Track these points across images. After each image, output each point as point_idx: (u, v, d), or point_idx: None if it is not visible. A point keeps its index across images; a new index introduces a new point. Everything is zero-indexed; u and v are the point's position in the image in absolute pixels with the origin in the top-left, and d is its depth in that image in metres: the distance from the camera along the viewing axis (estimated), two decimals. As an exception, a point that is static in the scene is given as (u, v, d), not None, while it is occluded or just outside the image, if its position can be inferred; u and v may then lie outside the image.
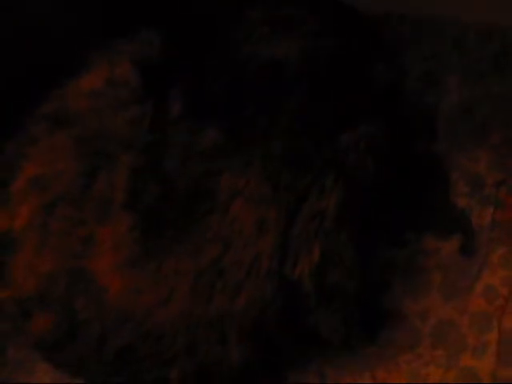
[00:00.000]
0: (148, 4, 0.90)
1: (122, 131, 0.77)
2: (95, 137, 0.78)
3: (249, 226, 0.74)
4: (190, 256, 0.74)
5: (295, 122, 0.77)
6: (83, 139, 0.78)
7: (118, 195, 0.75)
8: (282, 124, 0.76)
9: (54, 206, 0.76)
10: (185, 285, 0.74)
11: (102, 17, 0.89)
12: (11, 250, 0.77)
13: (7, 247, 0.77)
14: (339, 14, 0.84)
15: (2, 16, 0.85)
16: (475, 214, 0.92)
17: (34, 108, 0.81)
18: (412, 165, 0.92)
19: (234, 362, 0.76)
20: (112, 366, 0.76)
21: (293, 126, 0.76)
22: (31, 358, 0.85)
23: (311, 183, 0.76)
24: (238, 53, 0.78)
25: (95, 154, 0.77)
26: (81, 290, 0.74)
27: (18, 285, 0.76)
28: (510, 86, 0.99)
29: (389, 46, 0.87)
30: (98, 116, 0.79)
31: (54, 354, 0.78)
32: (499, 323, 0.85)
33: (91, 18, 0.90)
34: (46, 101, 0.82)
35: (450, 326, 0.86)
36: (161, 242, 0.74)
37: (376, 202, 0.79)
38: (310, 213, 0.76)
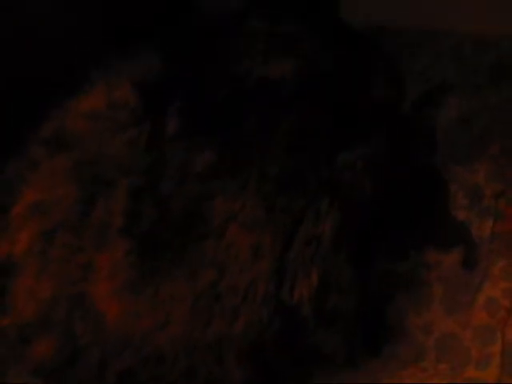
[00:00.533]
0: (148, 18, 0.89)
1: (119, 154, 0.77)
2: (94, 161, 0.77)
3: (244, 251, 0.74)
4: (186, 280, 0.73)
5: (292, 141, 0.76)
6: (82, 163, 0.77)
7: (116, 220, 0.75)
8: (279, 144, 0.76)
9: (53, 233, 0.76)
10: (182, 309, 0.73)
11: (102, 20, 0.88)
12: (11, 275, 0.76)
13: (7, 273, 0.76)
14: (338, 31, 0.83)
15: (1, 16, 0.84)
16: (475, 226, 0.91)
17: (32, 127, 0.81)
18: (410, 178, 0.91)
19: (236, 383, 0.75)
20: None
21: (290, 146, 0.76)
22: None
23: (306, 206, 0.75)
24: (236, 68, 0.78)
25: (94, 179, 0.76)
26: (80, 315, 0.74)
27: (18, 310, 0.75)
28: (506, 97, 0.99)
29: (387, 61, 0.86)
30: (96, 139, 0.78)
31: (54, 379, 0.77)
32: (502, 335, 0.84)
33: (91, 21, 0.89)
34: (45, 121, 0.81)
35: (453, 340, 0.85)
36: (157, 266, 0.74)
37: (375, 216, 0.78)
38: (305, 237, 0.75)
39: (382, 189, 0.78)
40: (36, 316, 0.75)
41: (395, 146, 0.80)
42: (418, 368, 0.84)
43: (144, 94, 0.80)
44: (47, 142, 0.80)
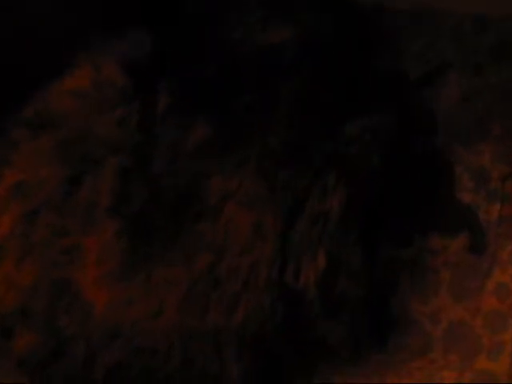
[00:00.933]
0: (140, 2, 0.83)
1: (108, 133, 0.72)
2: (80, 140, 0.72)
3: (243, 231, 0.68)
4: (181, 264, 0.68)
5: (293, 113, 0.70)
6: (67, 142, 0.72)
7: (104, 200, 0.69)
8: (280, 116, 0.70)
9: (36, 214, 0.70)
10: (177, 295, 0.67)
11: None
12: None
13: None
14: (338, 1, 0.78)
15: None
16: (482, 209, 0.87)
17: (14, 109, 0.76)
18: (413, 159, 0.85)
19: (234, 378, 0.70)
20: None
21: (291, 118, 0.70)
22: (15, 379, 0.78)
23: (311, 182, 0.70)
24: (230, 37, 0.72)
25: (80, 158, 0.71)
26: (65, 304, 0.68)
27: (-2, 299, 0.70)
28: (507, 77, 0.95)
29: (388, 36, 0.81)
30: (83, 118, 0.73)
31: (38, 375, 0.71)
32: (514, 321, 0.80)
33: (78, 1, 0.83)
34: (28, 103, 0.76)
35: (463, 328, 0.82)
36: (149, 250, 0.68)
37: (379, 199, 0.73)
38: (311, 215, 0.69)
39: (389, 164, 0.72)
40: (17, 305, 0.69)
41: (401, 120, 0.74)
42: (427, 359, 0.81)
43: (133, 73, 0.74)
44: (29, 122, 0.75)
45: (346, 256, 0.70)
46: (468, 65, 0.97)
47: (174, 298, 0.67)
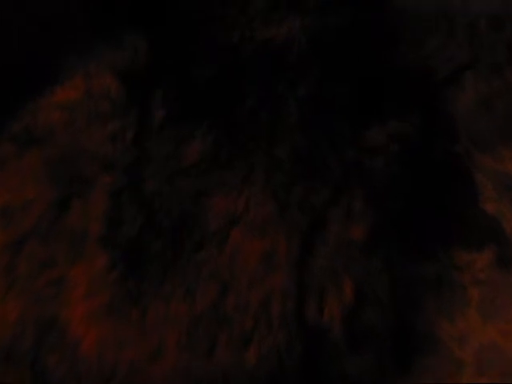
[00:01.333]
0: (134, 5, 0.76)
1: (101, 149, 0.65)
2: (70, 157, 0.65)
3: (253, 261, 0.60)
4: (181, 299, 0.60)
5: (304, 118, 0.62)
6: (56, 160, 0.65)
7: (94, 227, 0.62)
8: (289, 121, 0.62)
9: (21, 244, 0.63)
10: (177, 335, 0.60)
11: (82, 4, 0.76)
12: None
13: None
14: None
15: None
16: (506, 219, 0.82)
17: (2, 123, 0.70)
18: (434, 168, 0.78)
19: None
20: None
21: (302, 124, 0.62)
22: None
23: (331, 199, 0.62)
24: (228, 35, 0.64)
25: (70, 177, 0.64)
26: (52, 343, 0.61)
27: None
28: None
29: (413, 34, 0.73)
30: (73, 133, 0.66)
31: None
32: (550, 343, 0.73)
33: (70, 4, 0.76)
34: (15, 116, 0.70)
35: (494, 351, 0.76)
36: (144, 283, 0.60)
37: (402, 214, 0.65)
38: (335, 240, 0.62)
39: (412, 175, 0.65)
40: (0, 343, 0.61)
41: (425, 125, 0.67)
42: None
43: (128, 83, 0.68)
44: (17, 137, 0.69)
45: (373, 285, 0.63)
46: (485, 65, 0.91)
47: (174, 338, 0.59)
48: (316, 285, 0.61)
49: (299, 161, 0.61)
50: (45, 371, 0.60)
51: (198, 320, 0.60)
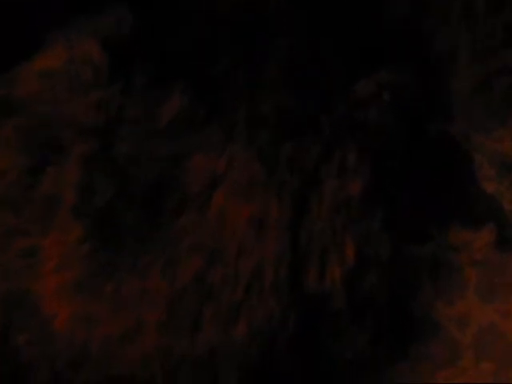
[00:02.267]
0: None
1: (82, 117, 0.61)
2: (47, 125, 0.61)
3: (241, 226, 0.56)
4: (160, 274, 0.55)
5: (290, 69, 0.58)
6: (31, 128, 0.61)
7: (68, 195, 0.58)
8: (272, 74, 0.57)
9: None
10: (157, 312, 0.55)
11: None
12: None
13: None
14: None
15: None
16: (506, 199, 0.78)
17: None
18: (428, 148, 0.74)
19: None
20: None
21: (287, 76, 0.58)
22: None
23: (322, 158, 0.57)
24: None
25: (45, 145, 0.60)
26: (23, 321, 0.56)
27: None
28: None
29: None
30: (53, 100, 0.62)
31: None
32: (551, 324, 0.70)
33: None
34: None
35: (494, 333, 0.73)
36: (118, 257, 0.56)
37: (399, 182, 0.61)
38: (332, 198, 0.57)
39: (408, 138, 0.60)
40: None
41: (420, 83, 0.63)
42: (455, 369, 0.72)
43: (111, 51, 0.64)
44: None
45: (374, 246, 0.58)
46: (482, 47, 0.88)
47: (153, 316, 0.55)
48: (314, 247, 0.57)
49: (285, 118, 0.57)
50: (15, 351, 0.56)
51: (179, 296, 0.55)
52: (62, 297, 0.55)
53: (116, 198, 0.57)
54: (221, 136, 0.56)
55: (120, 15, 0.66)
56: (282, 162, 0.56)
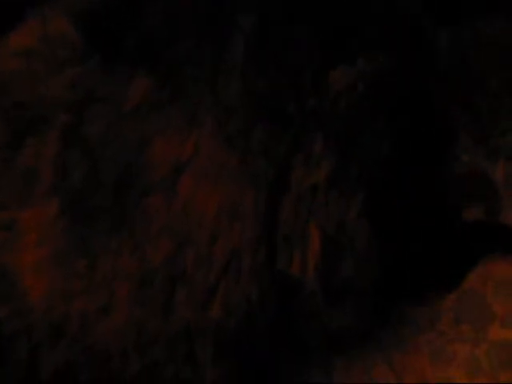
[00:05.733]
0: None
1: (60, 95, 0.58)
2: (26, 102, 0.58)
3: (212, 212, 0.53)
4: (130, 253, 0.54)
5: (255, 52, 0.54)
6: (11, 106, 0.59)
7: (47, 170, 0.55)
8: (235, 58, 0.54)
9: None
10: (127, 289, 0.54)
11: None
12: None
13: None
14: None
15: None
16: (483, 169, 0.76)
17: None
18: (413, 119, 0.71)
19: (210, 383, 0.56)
20: None
21: (254, 57, 0.54)
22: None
23: (293, 147, 0.54)
24: None
25: (26, 120, 0.58)
26: (2, 293, 0.55)
27: None
28: (501, 27, 0.83)
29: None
30: (31, 79, 0.59)
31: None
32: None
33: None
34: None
35: (473, 296, 0.71)
36: (91, 236, 0.54)
37: (384, 163, 0.59)
38: (297, 188, 0.55)
39: (390, 121, 0.58)
40: None
41: (402, 68, 0.58)
42: (435, 332, 0.70)
43: (86, 28, 0.60)
44: None
45: (348, 233, 0.56)
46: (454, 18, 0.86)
47: (125, 292, 0.53)
48: (284, 236, 0.55)
49: (254, 103, 0.54)
50: None
51: (151, 275, 0.53)
52: (39, 271, 0.54)
53: (88, 176, 0.55)
54: (185, 120, 0.53)
55: None
56: (256, 151, 0.53)
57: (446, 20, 0.81)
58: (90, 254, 0.54)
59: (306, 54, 0.55)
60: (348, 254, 0.56)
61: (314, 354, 0.64)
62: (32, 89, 0.59)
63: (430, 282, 0.68)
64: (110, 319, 0.54)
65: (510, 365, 0.67)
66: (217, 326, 0.54)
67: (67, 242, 0.54)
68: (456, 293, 0.70)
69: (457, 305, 0.70)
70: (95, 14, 0.60)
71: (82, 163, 0.55)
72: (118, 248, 0.54)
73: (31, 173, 0.56)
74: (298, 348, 0.61)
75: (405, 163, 0.61)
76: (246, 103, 0.53)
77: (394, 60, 0.58)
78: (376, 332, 0.67)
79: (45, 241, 0.55)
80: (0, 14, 0.64)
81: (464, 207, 0.73)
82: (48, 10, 0.62)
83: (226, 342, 0.55)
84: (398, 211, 0.60)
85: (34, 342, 0.55)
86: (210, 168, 0.53)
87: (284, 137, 0.54)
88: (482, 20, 0.86)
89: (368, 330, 0.65)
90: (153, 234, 0.53)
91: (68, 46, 0.60)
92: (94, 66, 0.57)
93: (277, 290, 0.56)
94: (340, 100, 0.55)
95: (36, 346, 0.55)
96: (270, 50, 0.54)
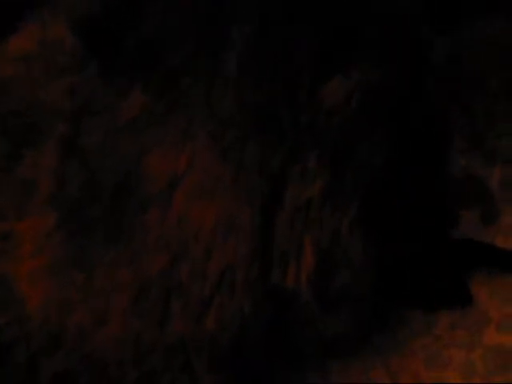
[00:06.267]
0: None
1: (58, 103, 0.58)
2: (24, 110, 0.58)
3: (208, 227, 0.53)
4: (126, 265, 0.54)
5: (249, 62, 0.53)
6: (8, 113, 0.59)
7: (43, 181, 0.55)
8: (231, 66, 0.53)
9: None
10: (124, 301, 0.54)
11: None
12: None
13: None
14: None
15: None
16: (479, 173, 0.76)
17: None
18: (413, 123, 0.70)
19: None
20: None
21: (248, 71, 0.53)
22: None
23: (287, 162, 0.54)
24: None
25: (24, 129, 0.57)
26: (1, 301, 0.55)
27: None
28: (501, 27, 0.83)
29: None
30: (30, 85, 0.59)
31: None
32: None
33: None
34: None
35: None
36: (88, 248, 0.54)
37: (379, 175, 0.57)
38: (292, 204, 0.54)
39: (387, 133, 0.56)
40: None
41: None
42: (431, 337, 0.69)
43: (85, 33, 0.60)
44: None
45: (343, 246, 0.55)
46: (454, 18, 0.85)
47: (121, 304, 0.54)
48: (279, 249, 0.54)
49: (249, 118, 0.53)
50: None
51: (146, 287, 0.54)
52: (35, 281, 0.54)
53: (85, 187, 0.55)
54: (179, 133, 0.53)
55: None
56: (249, 163, 0.53)
57: (445, 20, 0.80)
58: (87, 265, 0.54)
59: (301, 65, 0.54)
60: (343, 264, 0.56)
61: (309, 361, 0.64)
62: (30, 95, 0.58)
63: (429, 285, 0.68)
64: (108, 329, 0.54)
65: (505, 369, 0.67)
66: (211, 338, 0.54)
67: (64, 253, 0.54)
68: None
69: (452, 310, 0.70)
70: (94, 20, 0.59)
71: (80, 174, 0.55)
72: (115, 259, 0.54)
73: (29, 183, 0.56)
74: (293, 355, 0.61)
75: (403, 166, 0.60)
76: (240, 116, 0.53)
77: (392, 66, 0.57)
78: (374, 336, 0.68)
79: (42, 251, 0.55)
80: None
81: (460, 211, 0.73)
82: (47, 15, 0.61)
83: (220, 353, 0.55)
84: (395, 214, 0.60)
85: (32, 349, 0.55)
86: (205, 182, 0.53)
87: (279, 150, 0.54)
88: (482, 20, 0.85)
89: (366, 335, 0.65)
90: (149, 246, 0.53)
91: (67, 51, 0.59)
92: (93, 74, 0.57)
93: (271, 301, 0.56)
94: (335, 113, 0.55)
95: (35, 353, 0.55)
96: (264, 61, 0.54)
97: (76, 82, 0.58)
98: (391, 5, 0.60)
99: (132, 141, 0.54)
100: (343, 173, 0.55)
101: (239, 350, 0.56)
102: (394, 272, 0.62)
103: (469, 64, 0.82)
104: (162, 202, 0.53)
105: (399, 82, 0.59)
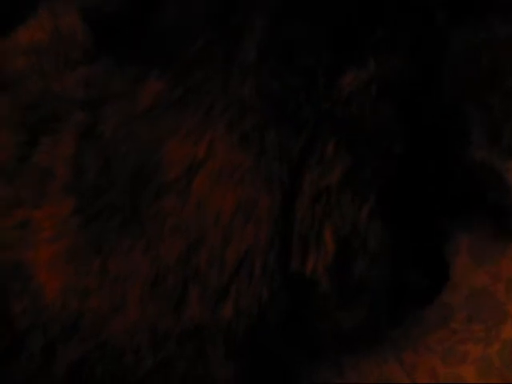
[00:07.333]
0: None
1: (73, 93, 0.57)
2: (40, 99, 0.58)
3: (227, 213, 0.53)
4: (142, 252, 0.53)
5: (269, 53, 0.53)
6: (24, 104, 0.58)
7: (61, 168, 0.55)
8: (250, 56, 0.53)
9: None
10: (139, 288, 0.53)
11: None
12: None
13: None
14: None
15: None
16: (497, 167, 0.73)
17: None
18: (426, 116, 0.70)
19: (222, 379, 0.56)
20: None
21: (267, 57, 0.53)
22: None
23: (307, 149, 0.53)
24: None
25: (41, 119, 0.57)
26: (18, 289, 0.54)
27: None
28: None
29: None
30: (43, 77, 0.59)
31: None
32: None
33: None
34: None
35: (485, 295, 0.70)
36: (104, 234, 0.53)
37: (396, 162, 0.57)
38: (312, 190, 0.54)
39: (402, 122, 0.56)
40: None
41: (416, 66, 0.57)
42: (447, 331, 0.68)
43: (97, 25, 0.60)
44: None
45: (362, 235, 0.55)
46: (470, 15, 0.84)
47: (136, 291, 0.53)
48: (297, 237, 0.54)
49: (268, 106, 0.53)
50: (12, 319, 0.54)
51: (163, 274, 0.53)
52: (54, 268, 0.54)
53: (102, 175, 0.54)
54: (198, 121, 0.53)
55: None
56: (269, 151, 0.53)
57: (460, 17, 0.79)
58: (104, 251, 0.54)
59: (319, 54, 0.54)
60: (361, 254, 0.56)
61: (323, 353, 0.63)
62: (43, 87, 0.58)
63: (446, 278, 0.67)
64: (124, 316, 0.53)
65: (522, 364, 0.66)
66: (227, 327, 0.54)
67: (81, 239, 0.54)
68: (468, 290, 0.69)
69: (469, 303, 0.68)
70: (107, 12, 0.59)
71: (97, 161, 0.54)
72: (130, 248, 0.53)
73: (46, 171, 0.56)
74: (309, 347, 0.60)
75: (421, 156, 0.60)
76: (260, 104, 0.53)
77: (407, 58, 0.57)
78: (389, 330, 0.66)
79: (59, 238, 0.54)
80: (11, 6, 0.63)
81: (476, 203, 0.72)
82: (59, 6, 0.61)
83: (236, 341, 0.54)
84: (413, 204, 0.60)
85: (48, 337, 0.54)
86: (225, 168, 0.52)
87: (298, 138, 0.53)
88: (498, 18, 0.84)
89: (381, 329, 0.64)
90: (166, 234, 0.53)
91: (79, 43, 0.59)
92: (107, 64, 0.56)
93: (289, 290, 0.55)
94: (353, 102, 0.54)
95: (51, 341, 0.54)
96: (283, 50, 0.54)
97: (90, 72, 0.58)
98: None
99: (149, 128, 0.53)
100: (362, 160, 0.54)
101: (255, 339, 0.55)
102: (410, 262, 0.60)
103: (484, 62, 0.81)
104: (180, 188, 0.52)
105: (415, 72, 0.58)
